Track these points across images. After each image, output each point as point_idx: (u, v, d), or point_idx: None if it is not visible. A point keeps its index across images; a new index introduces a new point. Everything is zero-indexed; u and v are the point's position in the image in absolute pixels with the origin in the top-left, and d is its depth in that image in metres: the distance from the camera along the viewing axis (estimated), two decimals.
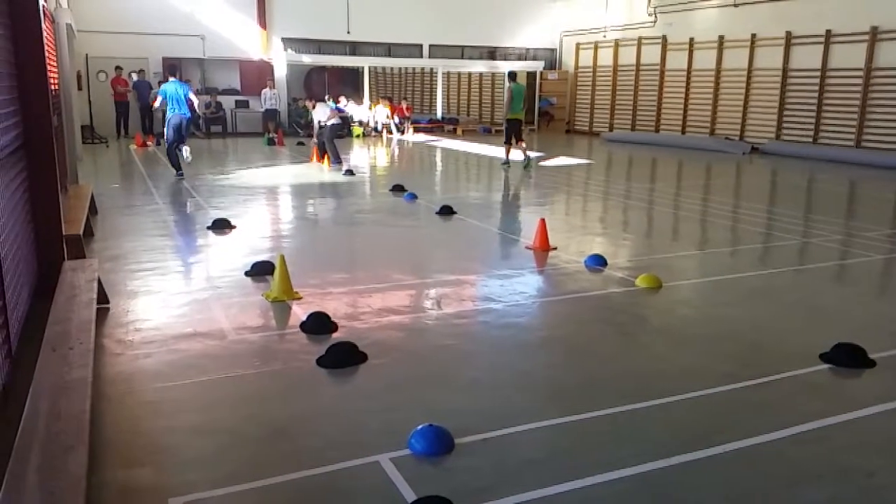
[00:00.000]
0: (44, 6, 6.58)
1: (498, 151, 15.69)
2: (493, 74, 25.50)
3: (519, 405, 3.64)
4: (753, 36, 18.35)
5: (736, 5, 18.77)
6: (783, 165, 15.62)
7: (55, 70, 8.75)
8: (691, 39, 20.17)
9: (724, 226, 8.77)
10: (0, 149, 3.97)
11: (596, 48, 23.73)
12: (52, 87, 6.94)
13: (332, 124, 13.93)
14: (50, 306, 4.09)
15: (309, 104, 14.82)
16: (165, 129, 12.22)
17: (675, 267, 6.57)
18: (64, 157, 8.26)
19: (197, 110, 12.91)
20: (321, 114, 13.96)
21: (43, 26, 5.19)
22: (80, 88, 17.77)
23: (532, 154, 16.83)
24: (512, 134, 14.06)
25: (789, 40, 17.50)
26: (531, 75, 24.56)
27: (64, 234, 5.39)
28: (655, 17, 21.29)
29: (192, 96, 12.11)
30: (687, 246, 7.76)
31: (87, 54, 19.28)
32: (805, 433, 3.36)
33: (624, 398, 3.69)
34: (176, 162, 12.09)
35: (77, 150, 11.79)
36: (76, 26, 14.80)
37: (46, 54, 5.20)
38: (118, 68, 19.48)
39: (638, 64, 22.14)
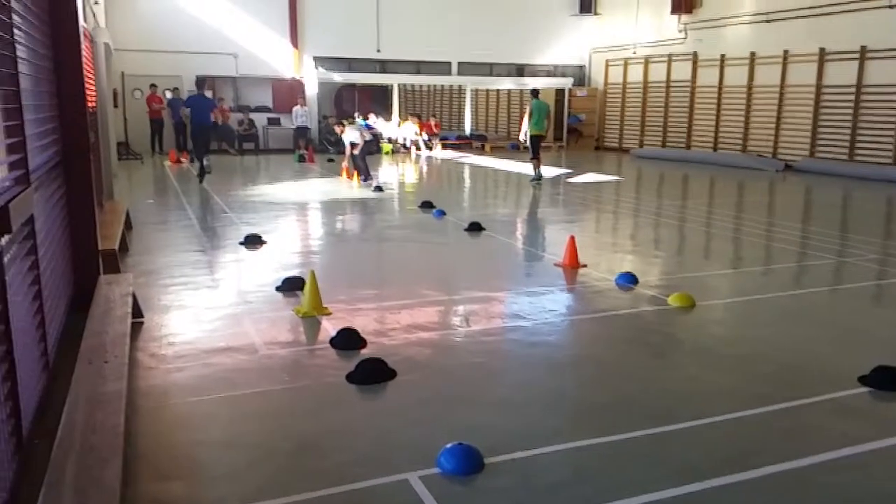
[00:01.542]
0: (84, 27, 6.75)
1: (526, 168, 15.68)
2: (522, 91, 25.54)
3: (549, 425, 3.60)
4: (786, 52, 18.16)
5: (768, 21, 18.61)
6: (818, 183, 15.37)
7: (93, 88, 8.96)
8: (722, 56, 20.02)
9: (757, 244, 8.63)
10: (40, 166, 4.06)
11: (626, 65, 23.68)
12: (90, 105, 7.10)
13: (365, 141, 14.06)
14: (86, 320, 4.16)
15: (338, 129, 15.03)
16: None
17: (708, 286, 6.48)
18: (100, 173, 8.44)
19: (214, 121, 14.31)
20: (352, 136, 14.07)
21: (83, 46, 5.32)
22: (115, 106, 18.16)
23: (561, 171, 16.83)
24: (534, 149, 14.27)
25: (823, 56, 17.28)
26: (559, 92, 24.59)
27: (100, 249, 5.49)
28: (686, 33, 21.20)
29: (216, 112, 13.25)
30: (720, 265, 7.65)
31: (123, 72, 19.73)
32: (843, 458, 3.27)
33: (656, 419, 3.64)
34: (202, 165, 13.40)
35: (113, 166, 12.04)
36: (113, 45, 15.17)
37: (85, 73, 5.33)
38: (153, 86, 19.92)
39: (668, 80, 22.04)
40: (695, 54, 20.96)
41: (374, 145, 16.29)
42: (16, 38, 3.42)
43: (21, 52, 3.56)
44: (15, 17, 3.46)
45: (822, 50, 17.25)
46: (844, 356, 4.63)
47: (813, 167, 17.09)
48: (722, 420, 3.66)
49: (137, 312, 5.02)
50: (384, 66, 23.43)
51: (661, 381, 4.24)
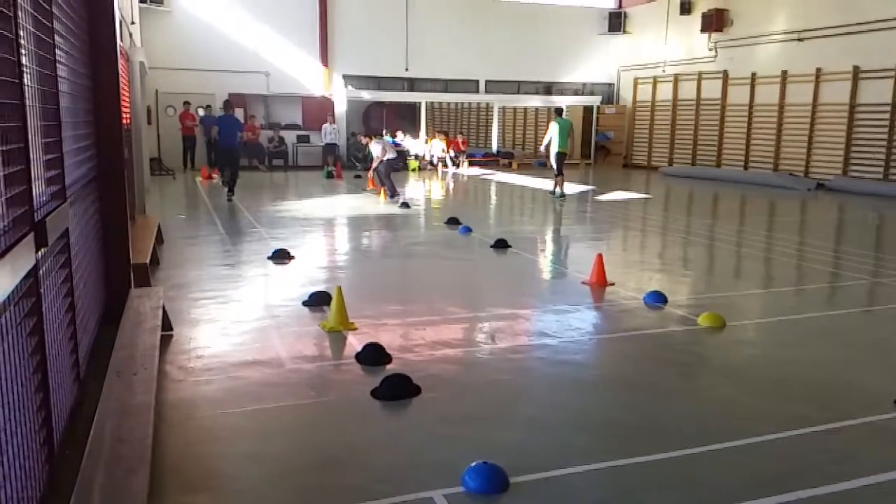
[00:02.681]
0: (120, 46, 6.90)
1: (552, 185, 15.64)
2: (549, 109, 25.54)
3: (576, 445, 3.55)
4: (818, 70, 17.95)
5: (800, 39, 18.43)
6: (851, 202, 15.10)
7: (128, 106, 9.15)
8: (753, 74, 19.85)
9: (789, 264, 8.49)
10: (76, 181, 4.15)
11: (655, 83, 23.58)
12: (124, 122, 7.25)
13: (389, 158, 14.21)
14: (116, 332, 4.22)
15: (364, 140, 15.39)
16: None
17: (739, 306, 6.38)
18: (133, 188, 8.58)
19: (239, 139, 14.85)
20: (376, 149, 14.31)
21: (119, 65, 5.45)
22: (149, 122, 18.54)
23: (589, 188, 16.77)
24: (559, 166, 14.50)
25: (857, 74, 17.04)
26: (588, 110, 24.56)
27: (131, 262, 5.57)
28: (716, 51, 21.07)
29: (245, 132, 13.59)
30: (751, 284, 7.53)
31: (157, 90, 20.14)
32: (890, 482, 3.17)
33: (686, 441, 3.57)
34: (230, 183, 13.90)
35: (145, 181, 12.26)
36: (148, 63, 15.50)
37: (120, 91, 5.44)
38: (186, 103, 20.29)
39: (698, 98, 21.90)
40: (725, 73, 20.81)
41: (398, 162, 16.48)
42: (58, 58, 3.51)
43: (62, 71, 3.65)
44: (57, 37, 3.55)
45: (856, 68, 17.01)
46: (880, 379, 4.51)
47: (846, 186, 16.81)
48: (755, 442, 3.58)
49: (167, 325, 5.08)
50: (412, 84, 23.63)
51: (690, 402, 4.18)
